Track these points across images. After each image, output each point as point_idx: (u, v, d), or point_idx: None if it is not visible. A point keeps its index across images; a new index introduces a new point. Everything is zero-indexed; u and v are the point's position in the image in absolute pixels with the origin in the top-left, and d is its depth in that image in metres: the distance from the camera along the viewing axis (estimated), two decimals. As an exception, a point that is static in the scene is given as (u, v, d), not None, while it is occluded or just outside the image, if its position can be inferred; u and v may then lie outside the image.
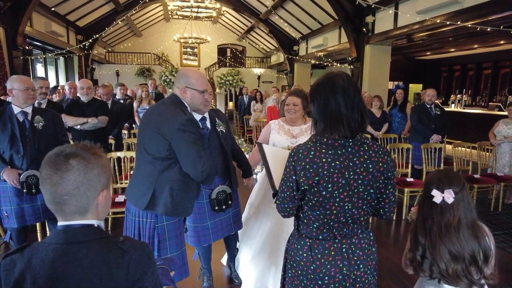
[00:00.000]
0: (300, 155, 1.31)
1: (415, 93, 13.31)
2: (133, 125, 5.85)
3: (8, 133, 2.65)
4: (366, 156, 1.31)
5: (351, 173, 1.29)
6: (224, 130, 2.40)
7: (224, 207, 2.35)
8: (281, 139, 2.60)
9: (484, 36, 8.45)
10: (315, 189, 1.29)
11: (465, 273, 1.39)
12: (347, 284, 1.37)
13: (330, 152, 1.29)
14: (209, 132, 2.32)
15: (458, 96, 11.29)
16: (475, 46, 10.75)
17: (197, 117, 2.29)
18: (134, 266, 0.93)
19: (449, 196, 1.39)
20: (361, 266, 1.38)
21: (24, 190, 2.67)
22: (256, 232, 2.69)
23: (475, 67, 12.66)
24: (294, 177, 1.32)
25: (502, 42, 9.77)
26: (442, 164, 4.75)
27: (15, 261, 0.91)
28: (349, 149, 1.31)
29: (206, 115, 2.34)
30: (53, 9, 9.29)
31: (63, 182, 0.90)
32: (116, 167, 3.74)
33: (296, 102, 2.56)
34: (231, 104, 17.50)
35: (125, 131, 5.55)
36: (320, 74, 1.64)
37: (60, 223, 0.95)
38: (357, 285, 1.39)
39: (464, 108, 10.53)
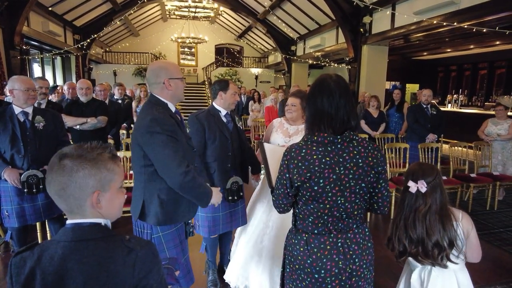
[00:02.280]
0: (292, 154, 1.38)
1: (411, 93, 13.39)
2: (132, 125, 5.85)
3: (9, 133, 2.66)
4: (355, 152, 1.37)
5: (342, 168, 1.35)
6: (241, 127, 2.71)
7: (236, 198, 2.50)
8: (277, 137, 2.69)
9: (480, 37, 8.52)
10: (307, 184, 1.35)
11: (428, 255, 1.57)
12: (343, 278, 1.41)
13: (320, 149, 1.36)
14: (232, 126, 2.60)
15: (455, 96, 11.38)
16: (471, 46, 10.82)
17: (223, 112, 2.58)
18: (139, 264, 0.94)
19: (422, 186, 1.58)
20: (356, 260, 1.42)
21: (25, 190, 2.68)
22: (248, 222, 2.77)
23: (471, 67, 12.75)
24: (287, 175, 1.39)
25: (498, 42, 9.85)
26: (438, 164, 4.80)
27: (26, 259, 0.92)
28: (339, 146, 1.37)
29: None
30: (50, 8, 9.26)
31: (52, 182, 0.93)
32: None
33: (294, 102, 2.65)
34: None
35: (123, 131, 5.56)
36: (318, 74, 1.70)
37: (68, 222, 0.97)
38: (353, 279, 1.43)
39: (460, 108, 10.61)
